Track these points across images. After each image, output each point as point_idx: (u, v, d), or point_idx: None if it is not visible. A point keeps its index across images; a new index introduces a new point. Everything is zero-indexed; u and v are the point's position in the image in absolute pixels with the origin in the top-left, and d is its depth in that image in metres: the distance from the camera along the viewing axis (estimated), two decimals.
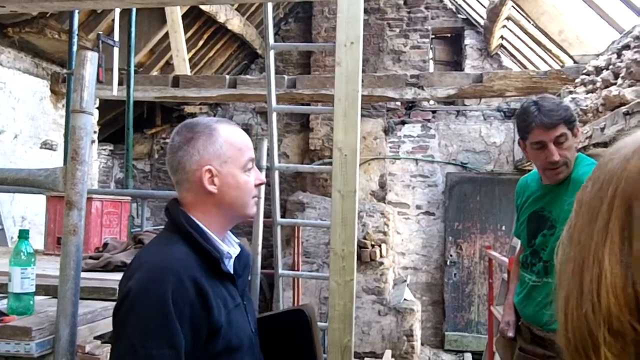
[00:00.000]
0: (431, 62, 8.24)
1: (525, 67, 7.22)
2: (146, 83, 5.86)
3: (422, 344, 7.24)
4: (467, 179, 7.63)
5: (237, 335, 1.29)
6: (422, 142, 7.90)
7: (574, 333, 0.53)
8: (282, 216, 5.62)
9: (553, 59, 6.00)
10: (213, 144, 1.32)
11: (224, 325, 1.24)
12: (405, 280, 7.46)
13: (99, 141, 7.14)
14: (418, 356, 6.91)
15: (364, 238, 6.92)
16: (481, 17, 7.15)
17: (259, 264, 3.18)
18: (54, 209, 3.08)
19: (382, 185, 7.74)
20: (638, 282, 0.49)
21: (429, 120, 7.93)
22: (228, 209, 1.35)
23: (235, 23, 6.91)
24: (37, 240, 3.43)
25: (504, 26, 6.74)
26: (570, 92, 4.48)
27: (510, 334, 2.26)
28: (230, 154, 1.33)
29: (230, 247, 1.39)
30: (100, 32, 4.86)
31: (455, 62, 8.37)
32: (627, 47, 3.67)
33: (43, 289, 1.88)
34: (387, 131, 7.86)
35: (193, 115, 7.82)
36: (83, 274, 1.70)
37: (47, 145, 5.58)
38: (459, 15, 8.07)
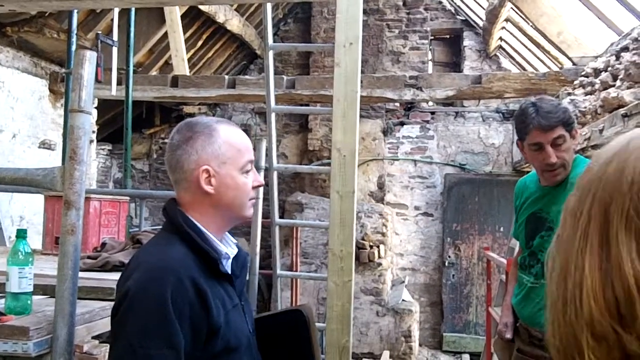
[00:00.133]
0: (430, 63, 8.24)
1: (524, 69, 7.23)
2: (145, 83, 5.85)
3: (420, 345, 7.24)
4: (465, 180, 7.64)
5: (235, 335, 1.29)
6: (420, 143, 7.91)
7: (561, 339, 0.54)
8: (281, 217, 5.62)
9: (552, 60, 6.01)
10: (212, 144, 1.32)
11: (223, 326, 1.24)
12: (404, 281, 7.46)
13: (98, 141, 7.14)
14: (416, 357, 6.91)
15: (363, 239, 6.92)
16: (480, 18, 7.15)
17: (257, 265, 3.18)
18: (52, 208, 3.07)
19: (381, 186, 7.75)
20: (617, 287, 0.49)
21: (427, 122, 7.93)
22: (225, 210, 1.35)
23: (235, 23, 6.91)
24: (35, 240, 3.42)
25: (503, 28, 6.75)
26: (569, 94, 4.49)
27: (508, 335, 2.26)
28: (229, 154, 1.33)
29: (228, 247, 1.39)
30: (99, 32, 4.87)
31: (454, 64, 8.38)
32: (625, 49, 3.68)
33: (41, 289, 1.88)
34: (386, 132, 7.86)
35: (192, 115, 7.81)
36: (81, 274, 1.69)
37: (45, 145, 5.58)
38: (457, 17, 8.08)
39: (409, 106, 7.90)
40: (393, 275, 7.57)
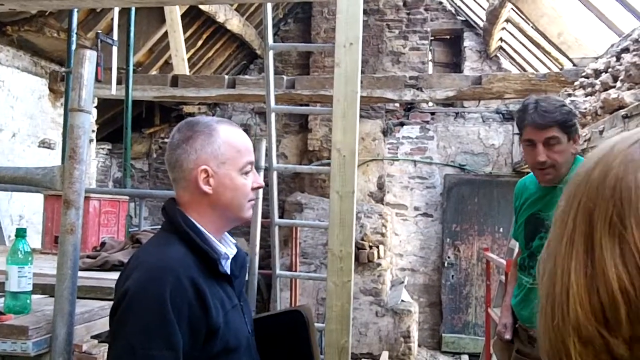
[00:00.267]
0: (430, 63, 8.24)
1: (524, 70, 7.23)
2: (145, 82, 5.85)
3: (419, 346, 7.24)
4: (465, 181, 7.64)
5: (234, 336, 1.29)
6: (420, 144, 7.91)
7: (550, 344, 0.55)
8: (280, 217, 5.61)
9: (552, 61, 6.01)
10: (211, 144, 1.31)
11: (222, 327, 1.24)
12: (403, 282, 7.46)
13: (97, 140, 7.13)
14: (415, 358, 6.91)
15: (362, 239, 6.92)
16: (480, 19, 7.15)
17: (256, 265, 3.18)
18: (51, 207, 3.07)
19: (381, 187, 7.75)
20: (602, 292, 0.50)
21: (427, 122, 7.94)
22: (223, 211, 1.34)
23: (235, 23, 6.91)
24: (34, 239, 3.42)
25: (503, 28, 6.75)
26: (569, 95, 4.49)
27: (508, 336, 2.26)
28: (229, 155, 1.32)
29: (227, 247, 1.38)
30: (99, 31, 4.86)
31: (454, 64, 8.37)
32: (626, 50, 3.68)
33: (40, 288, 1.88)
34: (386, 132, 7.86)
35: (191, 115, 7.81)
36: (80, 273, 1.69)
37: (45, 144, 5.58)
38: (458, 17, 8.08)
39: (409, 107, 7.90)
40: (392, 275, 7.57)
